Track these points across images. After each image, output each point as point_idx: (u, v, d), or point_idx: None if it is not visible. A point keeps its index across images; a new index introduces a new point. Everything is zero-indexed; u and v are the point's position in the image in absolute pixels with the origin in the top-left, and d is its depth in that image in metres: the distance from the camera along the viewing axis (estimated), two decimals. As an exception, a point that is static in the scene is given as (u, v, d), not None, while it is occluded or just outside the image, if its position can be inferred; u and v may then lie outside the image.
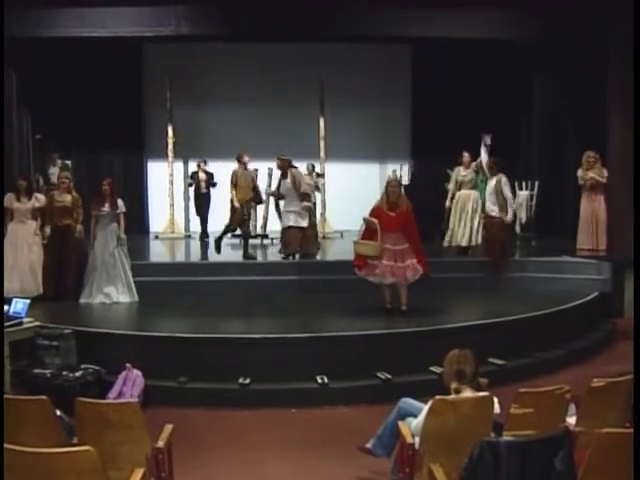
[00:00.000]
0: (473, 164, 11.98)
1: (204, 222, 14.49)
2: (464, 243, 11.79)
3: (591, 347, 8.87)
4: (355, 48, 15.48)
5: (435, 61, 15.33)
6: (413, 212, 8.58)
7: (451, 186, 12.26)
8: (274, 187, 12.43)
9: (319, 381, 7.19)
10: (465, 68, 14.93)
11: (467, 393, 4.66)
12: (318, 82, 15.11)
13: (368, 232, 8.50)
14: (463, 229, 11.81)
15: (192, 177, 14.88)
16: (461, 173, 12.05)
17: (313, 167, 14.39)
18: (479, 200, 11.77)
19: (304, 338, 7.63)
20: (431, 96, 15.48)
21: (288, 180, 11.10)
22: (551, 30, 12.37)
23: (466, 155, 11.97)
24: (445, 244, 12.08)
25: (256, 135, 15.40)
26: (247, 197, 11.30)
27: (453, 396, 4.66)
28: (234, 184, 11.13)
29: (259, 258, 11.79)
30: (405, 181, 14.40)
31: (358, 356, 7.43)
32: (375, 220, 8.33)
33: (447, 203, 12.32)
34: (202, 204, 14.67)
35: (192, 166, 15.70)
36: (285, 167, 11.22)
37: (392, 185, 8.62)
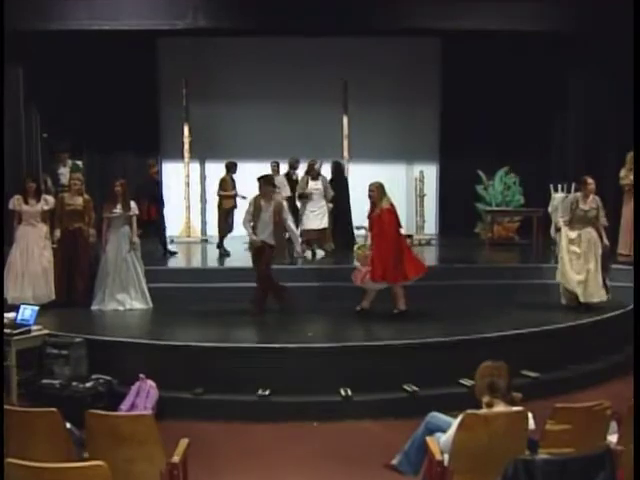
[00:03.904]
0: (592, 197, 9.36)
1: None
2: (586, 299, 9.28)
3: (632, 360, 8.76)
4: (380, 42, 15.43)
5: (466, 56, 15.21)
6: (391, 214, 8.90)
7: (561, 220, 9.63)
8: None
9: (342, 393, 7.17)
10: (497, 63, 14.81)
11: (500, 407, 4.63)
12: (341, 78, 15.08)
13: None
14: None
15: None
16: (581, 206, 9.34)
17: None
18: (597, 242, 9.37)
19: (326, 348, 7.62)
20: (461, 93, 15.38)
21: (319, 182, 12.25)
22: (588, 23, 12.27)
23: (591, 182, 9.37)
24: (563, 301, 9.54)
25: (276, 134, 15.39)
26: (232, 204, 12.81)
27: (485, 410, 4.63)
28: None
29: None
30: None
31: (383, 367, 7.40)
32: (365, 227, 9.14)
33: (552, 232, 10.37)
34: None
35: (210, 167, 15.74)
36: (319, 171, 12.52)
37: (370, 189, 9.08)
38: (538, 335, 8.14)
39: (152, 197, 12.59)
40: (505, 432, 4.37)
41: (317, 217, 12.28)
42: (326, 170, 13.40)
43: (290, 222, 9.44)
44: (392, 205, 9.01)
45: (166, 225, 12.94)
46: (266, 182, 9.45)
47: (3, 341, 6.85)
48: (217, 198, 13.16)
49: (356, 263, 9.29)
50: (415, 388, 7.25)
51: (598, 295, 9.20)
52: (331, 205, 12.50)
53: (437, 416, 5.29)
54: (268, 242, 9.22)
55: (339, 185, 12.93)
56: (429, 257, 13.88)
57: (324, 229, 12.29)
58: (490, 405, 4.65)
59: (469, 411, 4.47)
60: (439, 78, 16.28)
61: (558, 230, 9.67)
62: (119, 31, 12.55)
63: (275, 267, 9.48)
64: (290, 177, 13.19)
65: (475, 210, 14.96)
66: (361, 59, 15.54)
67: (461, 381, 7.16)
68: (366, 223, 9.32)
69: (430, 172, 15.82)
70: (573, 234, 9.31)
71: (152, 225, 12.33)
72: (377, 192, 8.99)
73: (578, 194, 9.52)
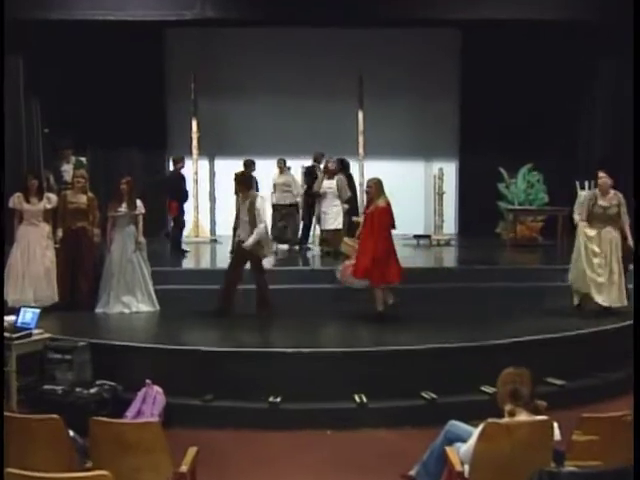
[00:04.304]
0: (613, 192, 9.19)
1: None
2: (607, 303, 9.13)
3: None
4: (397, 34, 15.41)
5: (486, 47, 15.18)
6: (385, 213, 8.92)
7: (577, 217, 9.55)
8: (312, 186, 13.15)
9: (357, 400, 7.16)
10: (520, 54, 14.76)
11: (523, 416, 4.61)
12: (357, 71, 15.06)
13: None
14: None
15: None
16: (600, 202, 9.20)
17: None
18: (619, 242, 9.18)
19: (341, 352, 7.61)
20: (482, 86, 15.35)
21: (334, 182, 12.34)
22: (615, 11, 12.18)
23: (603, 176, 9.25)
24: (576, 302, 9.37)
25: (288, 130, 15.41)
26: None
27: (507, 419, 4.61)
28: None
29: (292, 265, 11.93)
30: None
31: (400, 373, 7.38)
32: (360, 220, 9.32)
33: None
34: None
35: (219, 164, 15.78)
36: (337, 170, 12.64)
37: (367, 185, 9.24)
38: (563, 340, 8.08)
39: (176, 193, 12.69)
40: (529, 442, 4.34)
41: (330, 217, 12.38)
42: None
43: (261, 220, 9.17)
44: (388, 204, 9.03)
45: (185, 224, 12.96)
46: (237, 179, 9.48)
47: (3, 345, 6.85)
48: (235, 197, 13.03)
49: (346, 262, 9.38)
50: (434, 395, 7.22)
51: (620, 300, 9.06)
52: (347, 206, 12.52)
53: (457, 425, 5.26)
54: (245, 243, 9.22)
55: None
56: (448, 258, 13.93)
57: (338, 230, 12.31)
58: (512, 414, 4.63)
59: (490, 420, 4.45)
60: (458, 70, 16.26)
61: (575, 228, 9.52)
62: (124, 22, 12.59)
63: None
64: (313, 172, 13.22)
65: (497, 209, 14.91)
66: (376, 51, 15.54)
67: (482, 388, 7.14)
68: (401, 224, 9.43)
69: (449, 169, 15.81)
70: (592, 232, 9.13)
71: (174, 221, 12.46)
72: (375, 188, 9.02)
73: (597, 190, 9.36)
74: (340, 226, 12.34)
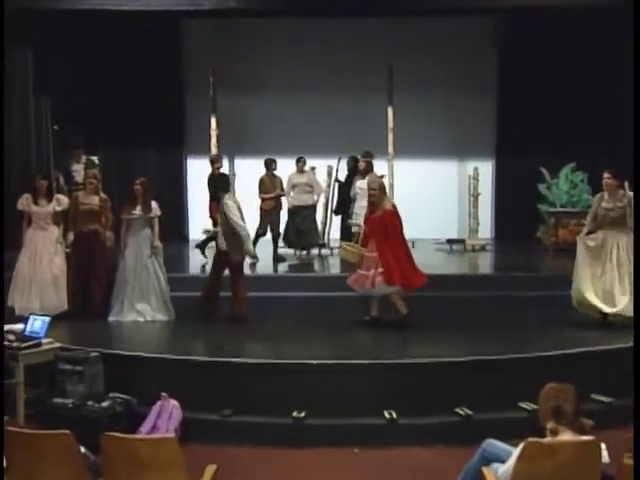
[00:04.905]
0: (622, 192, 9.06)
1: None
2: (607, 308, 9.04)
3: None
4: (429, 24, 15.39)
5: (525, 38, 15.13)
6: (394, 216, 9.09)
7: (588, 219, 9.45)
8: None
9: (387, 416, 7.13)
10: (561, 46, 14.70)
11: (567, 436, 4.56)
12: (386, 65, 15.03)
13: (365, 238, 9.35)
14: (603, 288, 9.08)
15: None
16: (603, 204, 9.10)
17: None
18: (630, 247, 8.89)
19: (369, 365, 7.58)
20: (520, 80, 15.30)
21: (366, 182, 11.96)
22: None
23: (607, 176, 9.09)
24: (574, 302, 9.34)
25: (312, 127, 15.45)
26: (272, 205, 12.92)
27: (549, 439, 4.57)
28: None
29: (317, 271, 11.95)
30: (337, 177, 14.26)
31: (433, 387, 7.34)
32: (361, 224, 9.41)
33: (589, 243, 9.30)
34: None
35: (240, 163, 15.83)
36: (369, 169, 12.72)
37: (370, 187, 9.34)
38: (611, 354, 8.00)
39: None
40: (573, 464, 4.30)
41: (358, 218, 12.33)
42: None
43: (235, 220, 9.35)
44: (394, 206, 9.24)
45: None
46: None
47: (3, 351, 6.87)
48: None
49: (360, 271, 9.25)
50: (469, 411, 7.18)
51: (629, 308, 8.72)
52: None
53: (494, 444, 5.22)
54: (221, 247, 9.60)
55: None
56: (483, 264, 13.87)
57: None
58: (555, 432, 4.59)
59: (531, 439, 4.41)
60: (494, 62, 16.23)
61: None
62: (138, 12, 12.64)
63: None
64: (355, 172, 13.30)
65: (537, 212, 14.83)
66: (406, 42, 15.52)
67: (521, 404, 7.10)
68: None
69: (485, 169, 15.78)
70: (592, 242, 9.08)
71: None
72: (379, 191, 9.17)
73: (604, 192, 9.16)
74: None
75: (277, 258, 12.71)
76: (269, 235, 12.91)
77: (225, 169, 16.00)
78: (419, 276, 9.11)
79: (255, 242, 12.92)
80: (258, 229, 12.74)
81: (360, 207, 12.39)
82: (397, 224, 9.12)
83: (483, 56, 16.10)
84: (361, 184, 12.54)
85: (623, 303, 8.83)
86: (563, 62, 14.77)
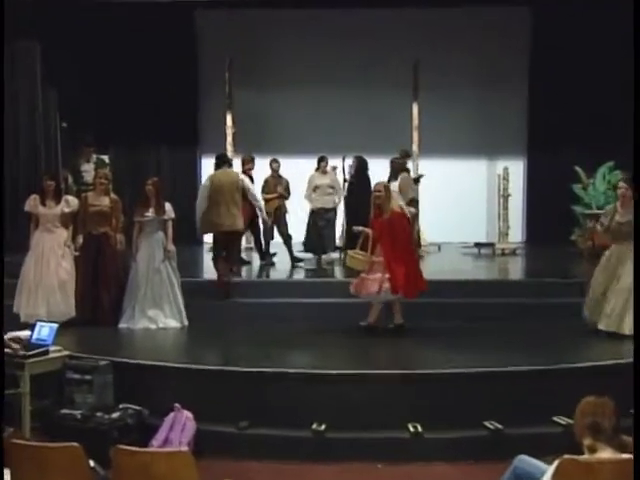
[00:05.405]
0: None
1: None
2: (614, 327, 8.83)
3: None
4: (456, 14, 15.39)
5: (559, 29, 15.08)
6: (403, 218, 9.27)
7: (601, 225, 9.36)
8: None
9: (411, 430, 7.10)
10: (598, 37, 14.61)
11: (605, 453, 4.51)
12: (411, 59, 15.03)
13: (366, 242, 9.42)
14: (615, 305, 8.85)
15: None
16: (617, 217, 8.90)
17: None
18: None
19: (393, 376, 7.58)
20: (553, 73, 15.24)
21: (397, 183, 12.37)
22: None
23: (622, 186, 8.92)
24: (585, 314, 9.25)
25: (333, 125, 15.45)
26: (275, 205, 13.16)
27: (587, 456, 4.52)
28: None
29: (337, 276, 11.99)
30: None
31: (461, 400, 7.32)
32: (365, 229, 9.42)
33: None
34: None
35: (257, 163, 15.83)
36: (400, 170, 12.79)
37: (376, 189, 9.42)
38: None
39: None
40: (613, 484, 4.26)
41: None
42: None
43: (253, 193, 11.17)
44: (402, 208, 9.37)
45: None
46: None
47: (4, 356, 6.88)
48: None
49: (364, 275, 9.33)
50: (499, 426, 7.14)
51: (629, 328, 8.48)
52: (413, 210, 12.21)
53: (526, 460, 5.18)
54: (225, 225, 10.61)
55: (361, 185, 12.66)
56: (514, 269, 13.83)
57: None
58: (593, 450, 4.54)
59: (567, 456, 4.37)
60: (526, 56, 16.15)
61: None
62: (150, 3, 12.68)
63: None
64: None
65: (571, 214, 14.74)
66: (433, 35, 15.54)
67: (555, 419, 7.04)
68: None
69: (516, 169, 15.74)
70: (603, 257, 9.06)
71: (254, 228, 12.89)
72: (385, 193, 9.24)
73: (617, 203, 9.00)
74: None
75: (294, 260, 12.80)
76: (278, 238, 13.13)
77: (240, 169, 16.09)
78: (421, 283, 9.23)
79: (267, 249, 13.17)
80: (265, 233, 13.03)
81: (412, 212, 12.44)
82: (406, 226, 9.26)
83: (514, 49, 16.07)
84: (392, 186, 12.45)
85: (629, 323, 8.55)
86: (599, 54, 14.69)
